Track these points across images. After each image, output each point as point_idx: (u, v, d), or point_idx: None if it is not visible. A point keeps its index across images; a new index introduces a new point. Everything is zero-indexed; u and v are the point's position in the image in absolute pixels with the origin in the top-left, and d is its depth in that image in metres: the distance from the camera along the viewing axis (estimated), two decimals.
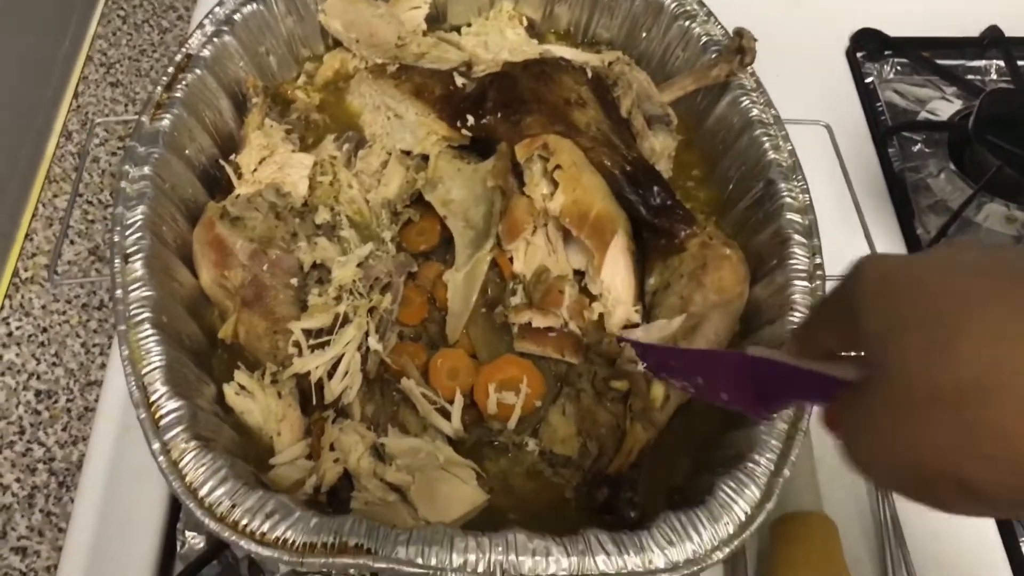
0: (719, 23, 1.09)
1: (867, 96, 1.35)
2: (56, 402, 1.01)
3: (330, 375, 0.85)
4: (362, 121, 1.07)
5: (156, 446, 0.73)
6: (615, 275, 0.91)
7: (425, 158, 1.00)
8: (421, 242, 0.98)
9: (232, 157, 0.99)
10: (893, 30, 1.40)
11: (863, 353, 0.48)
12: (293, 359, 0.85)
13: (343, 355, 0.85)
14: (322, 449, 0.82)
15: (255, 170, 0.98)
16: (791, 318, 0.86)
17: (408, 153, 1.02)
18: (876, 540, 0.94)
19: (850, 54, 1.41)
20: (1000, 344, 0.40)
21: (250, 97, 1.04)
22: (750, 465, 0.77)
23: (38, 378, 1.02)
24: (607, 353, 0.90)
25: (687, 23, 1.09)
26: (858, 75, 1.38)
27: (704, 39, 1.08)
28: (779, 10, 1.43)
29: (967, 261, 0.45)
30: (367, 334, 0.86)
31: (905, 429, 0.44)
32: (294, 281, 0.90)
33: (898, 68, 1.40)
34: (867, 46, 1.40)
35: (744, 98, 1.02)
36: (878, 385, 0.45)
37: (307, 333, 0.86)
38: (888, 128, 1.29)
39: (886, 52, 1.40)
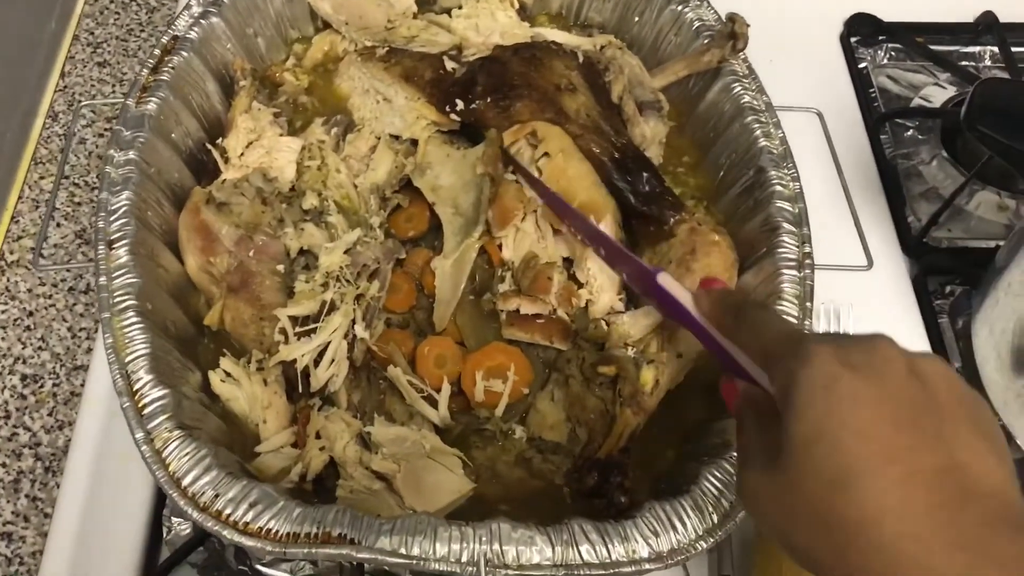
0: (712, 8, 1.08)
1: (860, 82, 1.34)
2: (42, 386, 1.01)
3: (316, 363, 0.84)
4: (351, 104, 1.06)
5: (139, 435, 0.73)
6: (600, 264, 0.91)
7: (414, 143, 1.00)
8: (410, 228, 0.97)
9: (219, 141, 0.98)
10: (887, 15, 1.39)
11: (779, 436, 0.51)
12: (279, 346, 0.85)
13: (329, 343, 0.85)
14: (308, 437, 0.82)
15: (242, 154, 0.97)
16: (779, 306, 0.85)
17: (397, 138, 1.01)
18: None
19: (844, 39, 1.39)
20: (889, 506, 0.45)
21: (238, 80, 1.03)
22: (735, 454, 0.76)
23: (24, 362, 1.02)
24: (595, 339, 0.90)
25: (680, 7, 1.08)
26: (851, 60, 1.37)
27: (697, 24, 1.07)
28: None
29: (893, 397, 0.48)
30: (354, 322, 0.86)
31: (785, 520, 0.50)
32: (280, 267, 0.89)
33: (892, 53, 1.39)
34: (861, 31, 1.39)
35: (736, 84, 1.02)
36: (780, 470, 0.50)
37: (293, 320, 0.86)
38: (881, 114, 1.28)
39: (880, 37, 1.39)
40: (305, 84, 1.09)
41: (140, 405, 0.74)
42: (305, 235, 0.91)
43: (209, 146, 0.97)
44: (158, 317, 0.82)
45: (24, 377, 1.01)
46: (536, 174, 0.93)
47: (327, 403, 0.85)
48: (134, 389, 0.75)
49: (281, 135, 1.00)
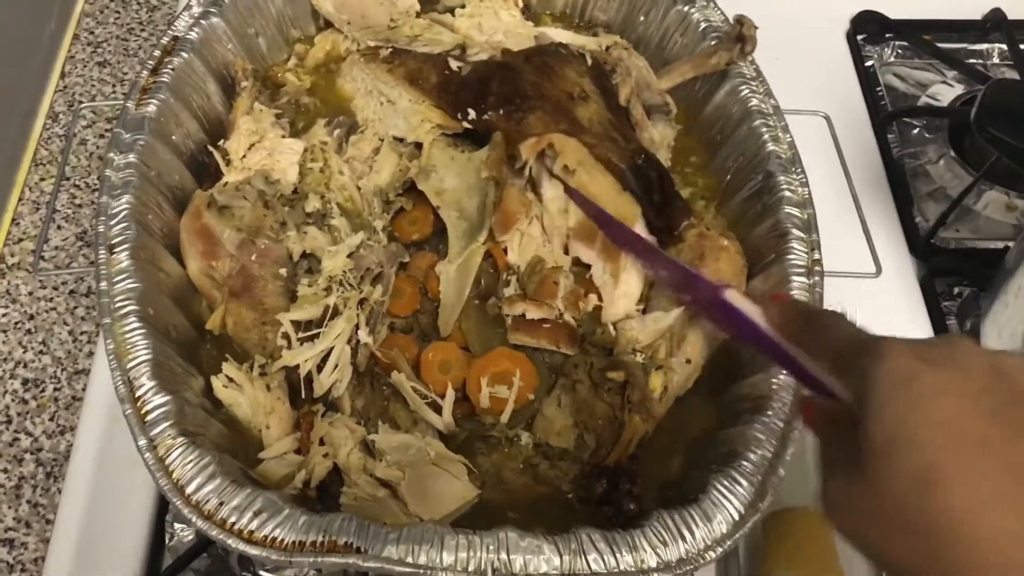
0: (719, 8, 1.07)
1: (867, 80, 1.33)
2: (43, 391, 1.00)
3: (319, 368, 0.83)
4: (354, 105, 1.05)
5: (142, 442, 0.72)
6: (630, 271, 0.90)
7: (418, 145, 0.99)
8: (414, 232, 0.96)
9: (220, 143, 0.97)
10: (894, 12, 1.38)
11: (859, 442, 0.49)
12: (282, 351, 0.84)
13: (333, 348, 0.84)
14: (311, 443, 0.81)
15: (244, 156, 0.96)
16: None
17: (401, 140, 1.00)
18: None
19: (850, 37, 1.38)
20: (984, 500, 0.42)
21: (239, 81, 1.02)
22: (744, 463, 0.76)
23: (25, 366, 1.01)
24: (603, 344, 0.89)
25: (686, 8, 1.07)
26: (858, 58, 1.36)
27: (704, 25, 1.06)
28: None
29: (978, 390, 0.45)
30: (357, 327, 0.85)
31: (871, 529, 0.48)
32: (283, 271, 0.88)
33: (899, 51, 1.38)
34: (868, 28, 1.38)
35: (743, 87, 1.01)
36: (862, 476, 0.48)
37: (296, 325, 0.85)
38: (888, 113, 1.27)
39: (887, 35, 1.38)
40: (307, 85, 1.08)
41: (143, 412, 0.73)
42: (308, 238, 0.90)
43: (210, 148, 0.97)
44: (159, 322, 0.81)
45: (25, 381, 1.00)
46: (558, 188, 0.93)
47: (331, 409, 0.84)
48: (136, 396, 0.74)
49: (283, 137, 0.99)
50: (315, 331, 0.84)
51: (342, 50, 1.10)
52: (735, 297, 0.68)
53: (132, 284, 0.79)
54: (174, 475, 0.71)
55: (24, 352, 1.02)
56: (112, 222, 0.83)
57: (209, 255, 0.87)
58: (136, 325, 0.77)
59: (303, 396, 0.83)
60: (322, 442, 0.81)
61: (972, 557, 0.42)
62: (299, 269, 0.90)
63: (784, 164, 0.95)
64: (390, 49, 1.04)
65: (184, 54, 0.96)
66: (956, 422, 0.44)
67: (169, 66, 0.95)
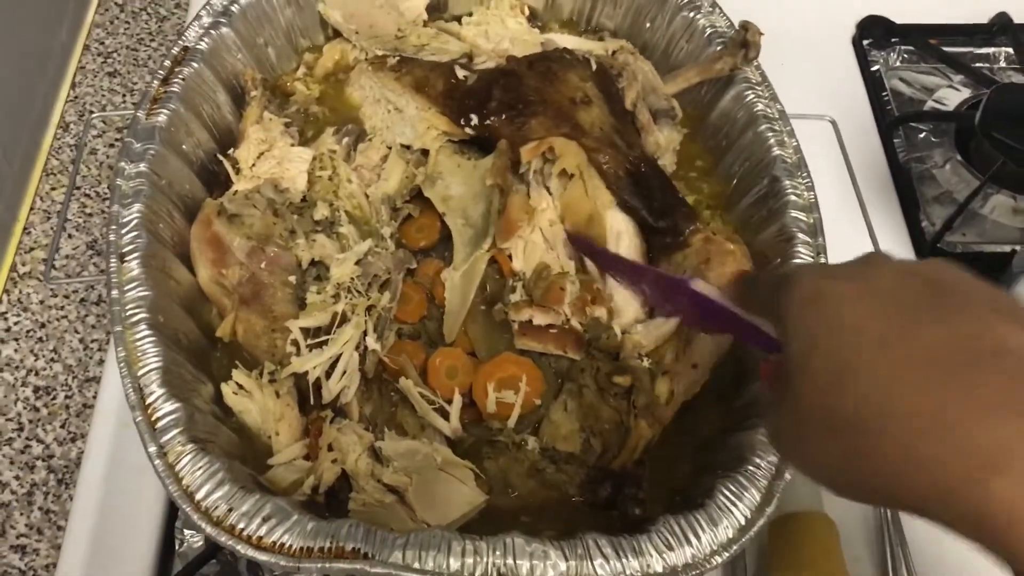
0: (724, 14, 1.07)
1: (873, 84, 1.33)
2: (55, 398, 1.01)
3: (328, 374, 0.84)
4: (362, 114, 1.06)
5: (152, 449, 0.72)
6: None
7: (425, 153, 0.99)
8: (421, 238, 0.97)
9: (230, 152, 0.98)
10: (900, 17, 1.38)
11: (785, 365, 0.51)
12: (291, 358, 0.84)
13: (341, 354, 0.84)
14: (320, 449, 0.81)
15: (253, 165, 0.97)
16: None
17: (408, 147, 1.01)
18: (876, 539, 0.94)
19: (856, 42, 1.39)
20: (891, 389, 0.44)
21: (248, 90, 1.03)
22: (751, 468, 0.76)
23: (36, 374, 1.02)
24: (609, 349, 0.89)
25: (692, 14, 1.08)
26: (864, 63, 1.36)
27: (709, 31, 1.06)
28: None
29: (884, 290, 0.48)
30: (365, 333, 0.86)
31: (804, 443, 0.49)
32: (292, 279, 0.89)
33: (905, 56, 1.38)
34: (873, 33, 1.38)
35: (749, 92, 1.01)
36: (789, 396, 0.50)
37: (305, 332, 0.85)
38: (894, 118, 1.27)
39: (893, 39, 1.38)
40: (316, 93, 1.09)
41: (153, 419, 0.74)
42: (317, 246, 0.91)
43: (220, 157, 0.97)
44: (170, 329, 0.82)
45: (37, 389, 1.01)
46: (553, 190, 0.93)
47: (339, 415, 0.85)
48: (147, 403, 0.75)
49: (292, 145, 1.00)
50: (324, 338, 0.85)
51: (350, 59, 1.10)
52: (701, 285, 0.74)
53: (143, 292, 0.80)
54: (184, 482, 0.71)
55: (36, 360, 1.03)
56: (123, 231, 0.84)
57: (219, 263, 0.88)
58: (147, 333, 0.78)
59: (312, 402, 0.84)
60: (330, 448, 0.81)
61: (888, 440, 0.43)
62: (308, 276, 0.91)
63: (790, 168, 0.95)
64: (398, 58, 1.04)
65: (194, 64, 0.97)
66: (861, 323, 0.46)
67: (179, 76, 0.96)
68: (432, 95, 0.99)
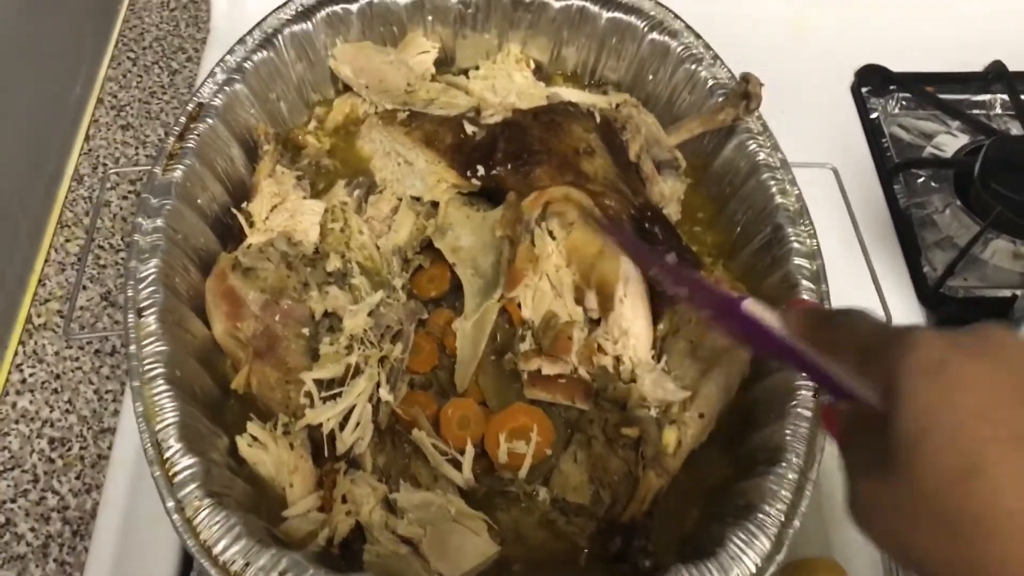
0: (725, 66, 1.10)
1: (872, 131, 1.36)
2: (70, 450, 1.02)
3: (342, 426, 0.85)
4: (372, 166, 1.08)
5: (170, 504, 0.74)
6: (635, 320, 0.92)
7: (435, 204, 1.01)
8: (432, 288, 0.98)
9: (244, 205, 1.00)
10: (897, 65, 1.41)
11: (888, 436, 0.46)
12: (305, 410, 0.85)
13: (355, 406, 0.85)
14: (334, 501, 0.82)
15: (267, 218, 0.99)
16: None
17: (418, 199, 1.03)
18: None
19: (855, 90, 1.41)
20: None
21: (261, 144, 1.05)
22: (760, 516, 0.77)
23: (52, 425, 1.03)
24: (617, 399, 0.90)
25: (693, 66, 1.10)
26: (863, 111, 1.38)
27: (711, 82, 1.09)
28: (783, 47, 1.44)
29: (1017, 376, 0.44)
30: (378, 384, 0.87)
31: (906, 529, 0.45)
32: (305, 331, 0.91)
33: (903, 103, 1.41)
34: (871, 81, 1.41)
35: (751, 142, 1.03)
36: (893, 473, 0.45)
37: (319, 383, 0.87)
38: (894, 165, 1.30)
39: (891, 87, 1.40)
40: (327, 146, 1.11)
41: (171, 473, 0.75)
42: (329, 298, 0.92)
43: (234, 210, 0.99)
44: (186, 383, 0.83)
45: (52, 440, 1.02)
46: (557, 235, 0.95)
47: (353, 466, 0.86)
48: (164, 457, 0.76)
49: (304, 198, 1.02)
50: (337, 389, 0.86)
51: (360, 113, 1.13)
52: (754, 307, 0.67)
53: (160, 347, 0.82)
54: (201, 536, 0.72)
55: (51, 411, 1.04)
56: (140, 286, 0.85)
57: (234, 316, 0.89)
58: (164, 387, 0.79)
59: (326, 454, 0.85)
60: (344, 500, 0.82)
61: (1016, 550, 0.40)
62: (321, 328, 0.92)
63: (792, 216, 0.97)
64: (407, 112, 1.07)
65: (209, 120, 0.99)
66: (995, 412, 0.42)
67: (195, 132, 0.98)
68: (441, 149, 1.01)
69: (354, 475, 0.84)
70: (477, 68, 1.18)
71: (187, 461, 0.75)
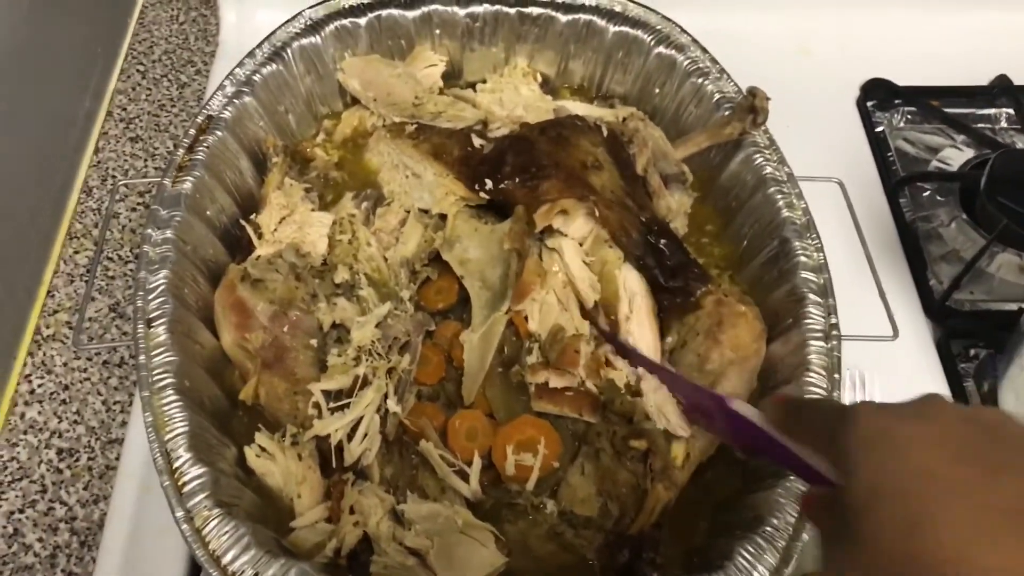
0: (732, 80, 1.10)
1: (878, 145, 1.36)
2: (78, 460, 1.02)
3: (349, 437, 0.85)
4: (380, 178, 1.09)
5: (180, 514, 0.74)
6: (641, 338, 0.92)
7: (443, 217, 1.02)
8: (439, 300, 0.99)
9: (252, 217, 1.01)
10: (902, 79, 1.42)
11: (845, 505, 0.49)
12: (313, 421, 0.86)
13: (363, 417, 0.86)
14: (342, 512, 0.82)
15: (275, 229, 1.00)
16: (807, 378, 0.86)
17: (426, 212, 1.03)
18: None
19: (860, 104, 1.42)
20: (970, 540, 0.42)
21: (270, 157, 1.06)
22: (768, 529, 0.77)
23: (60, 436, 1.03)
24: (624, 411, 0.90)
25: (700, 80, 1.11)
26: (869, 125, 1.39)
27: (717, 96, 1.09)
28: (789, 61, 1.45)
29: (952, 436, 0.47)
30: (386, 396, 0.87)
31: None
32: (314, 342, 0.91)
33: (908, 117, 1.41)
34: (877, 95, 1.41)
35: (758, 155, 1.04)
36: (853, 539, 0.48)
37: (327, 394, 0.87)
38: (900, 178, 1.30)
39: (896, 101, 1.41)
40: (335, 159, 1.12)
41: (180, 483, 0.76)
42: (337, 309, 0.93)
43: (243, 222, 1.00)
44: (195, 393, 0.84)
45: (60, 451, 1.02)
46: (566, 253, 0.95)
47: (360, 477, 0.86)
48: (174, 467, 0.76)
49: (313, 210, 1.02)
50: (345, 401, 0.87)
51: (368, 125, 1.13)
52: (739, 405, 0.71)
53: (169, 357, 0.82)
54: (211, 546, 0.73)
55: (59, 422, 1.04)
56: (150, 296, 0.86)
57: (243, 327, 0.90)
58: (173, 398, 0.80)
59: (333, 465, 0.85)
60: (352, 511, 0.82)
61: None
62: (329, 339, 0.92)
63: (799, 230, 0.97)
64: (415, 125, 1.07)
65: (218, 132, 1.00)
66: (934, 468, 0.45)
67: (204, 144, 0.99)
68: (449, 161, 1.02)
69: (362, 486, 0.84)
70: (484, 81, 1.19)
71: (196, 471, 0.76)
